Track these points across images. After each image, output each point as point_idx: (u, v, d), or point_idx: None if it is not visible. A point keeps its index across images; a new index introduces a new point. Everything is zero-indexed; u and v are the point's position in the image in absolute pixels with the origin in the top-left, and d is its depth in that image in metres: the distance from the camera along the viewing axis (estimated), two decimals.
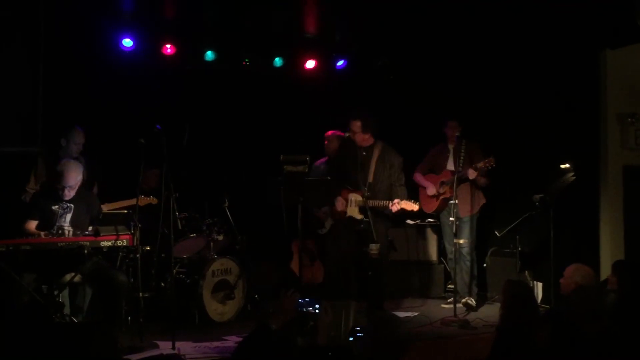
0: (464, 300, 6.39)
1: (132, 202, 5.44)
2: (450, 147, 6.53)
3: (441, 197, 6.47)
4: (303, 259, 5.91)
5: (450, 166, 6.46)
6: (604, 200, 6.43)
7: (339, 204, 5.97)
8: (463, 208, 6.40)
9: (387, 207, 5.74)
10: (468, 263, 6.49)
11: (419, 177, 6.69)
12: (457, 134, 6.45)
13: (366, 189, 5.77)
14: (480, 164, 6.16)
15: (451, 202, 6.16)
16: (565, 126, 6.42)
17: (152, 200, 5.86)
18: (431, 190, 6.52)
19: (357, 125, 5.93)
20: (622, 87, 6.45)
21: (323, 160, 6.88)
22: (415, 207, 5.74)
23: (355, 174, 5.87)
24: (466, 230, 6.47)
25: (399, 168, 5.96)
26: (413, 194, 6.72)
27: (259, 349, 3.12)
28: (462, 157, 6.40)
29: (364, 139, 5.97)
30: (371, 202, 5.71)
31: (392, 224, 6.42)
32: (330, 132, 6.82)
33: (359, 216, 5.85)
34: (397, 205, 5.71)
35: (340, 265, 6.07)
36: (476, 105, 6.98)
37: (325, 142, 6.83)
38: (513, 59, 6.80)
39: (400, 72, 7.72)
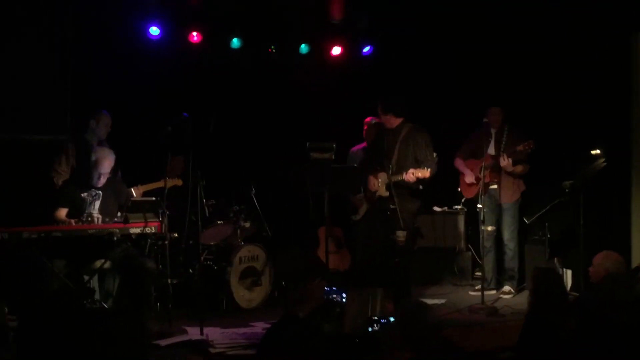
0: (501, 291, 6.41)
1: (162, 183, 5.60)
2: (493, 131, 6.47)
3: (481, 182, 6.43)
4: (329, 246, 5.92)
5: (492, 150, 6.42)
6: (636, 187, 6.31)
7: (371, 183, 5.98)
8: (505, 194, 6.37)
9: (404, 180, 5.67)
10: (509, 252, 6.45)
11: (459, 163, 6.65)
12: (499, 118, 6.41)
13: (391, 166, 5.75)
14: (520, 147, 6.11)
15: (492, 187, 6.13)
16: (596, 111, 6.31)
17: (177, 182, 5.91)
18: (469, 177, 6.49)
19: (379, 107, 5.97)
20: None
21: (360, 146, 6.84)
22: (427, 173, 5.63)
23: (383, 156, 5.87)
24: (507, 217, 6.42)
25: (424, 144, 5.85)
26: (454, 180, 6.73)
27: (286, 337, 3.14)
28: (503, 142, 6.33)
29: (387, 120, 5.97)
30: (393, 178, 5.70)
31: (420, 210, 6.41)
32: (369, 118, 6.78)
33: (385, 193, 5.83)
34: (410, 174, 5.67)
35: (370, 252, 6.07)
36: (505, 90, 6.89)
37: (365, 128, 6.78)
38: (543, 43, 6.69)
39: (429, 58, 7.65)
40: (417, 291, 6.56)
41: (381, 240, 5.91)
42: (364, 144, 6.82)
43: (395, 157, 5.85)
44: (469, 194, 6.67)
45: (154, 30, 6.85)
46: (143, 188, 5.90)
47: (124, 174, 6.02)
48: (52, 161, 5.75)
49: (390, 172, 5.67)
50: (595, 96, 6.32)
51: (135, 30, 6.82)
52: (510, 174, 6.35)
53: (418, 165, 5.70)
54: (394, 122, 5.96)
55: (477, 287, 6.35)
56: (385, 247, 5.84)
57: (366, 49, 7.70)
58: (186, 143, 5.05)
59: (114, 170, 5.61)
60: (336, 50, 7.62)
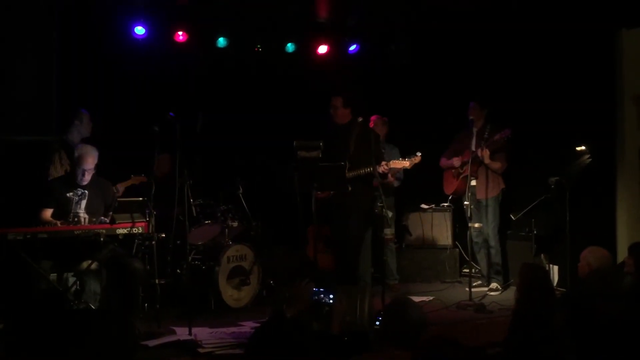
0: (488, 287, 6.45)
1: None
2: (475, 130, 6.51)
3: (461, 177, 6.48)
4: (318, 245, 5.92)
5: (473, 147, 6.45)
6: (621, 183, 6.37)
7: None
8: (482, 190, 6.40)
9: (368, 174, 5.69)
10: (491, 249, 6.49)
11: (444, 161, 6.70)
12: (481, 116, 6.46)
13: (347, 160, 5.77)
14: (497, 136, 6.15)
15: (472, 184, 6.22)
16: (581, 108, 6.35)
17: (141, 178, 5.94)
18: (457, 162, 6.54)
19: (339, 100, 5.96)
20: (638, 67, 6.35)
21: None
22: (405, 163, 5.70)
23: (337, 151, 5.86)
24: (486, 213, 6.46)
25: (378, 142, 5.92)
26: (438, 179, 6.78)
27: (273, 336, 3.14)
28: (485, 140, 6.37)
29: (344, 114, 5.96)
30: (352, 173, 5.72)
31: (407, 208, 6.47)
32: (374, 117, 6.78)
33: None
34: (384, 166, 5.72)
35: (342, 246, 6.12)
36: (491, 87, 6.93)
37: (371, 125, 6.76)
38: (528, 39, 6.72)
39: (414, 56, 7.68)
40: (405, 288, 6.60)
41: (343, 235, 5.95)
42: None
43: (352, 150, 5.86)
44: (449, 190, 6.73)
45: (140, 30, 6.80)
46: (125, 184, 5.92)
47: (110, 173, 5.99)
48: (47, 168, 5.72)
49: (347, 168, 5.72)
50: (581, 93, 6.36)
51: (121, 29, 6.78)
52: (488, 167, 6.38)
53: (374, 161, 5.67)
54: (348, 117, 5.97)
55: (475, 283, 6.37)
56: (347, 242, 5.90)
57: (352, 48, 7.70)
58: (173, 142, 5.03)
59: (98, 168, 5.59)
60: (322, 49, 7.62)
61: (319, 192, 5.99)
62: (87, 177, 5.29)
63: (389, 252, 6.66)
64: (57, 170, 5.68)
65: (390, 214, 6.60)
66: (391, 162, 5.72)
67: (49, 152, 5.82)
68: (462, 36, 7.19)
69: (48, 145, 5.94)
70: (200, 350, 4.49)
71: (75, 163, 5.28)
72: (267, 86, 7.48)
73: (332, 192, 5.91)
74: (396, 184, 6.58)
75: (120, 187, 5.88)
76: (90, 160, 5.27)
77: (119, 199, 5.63)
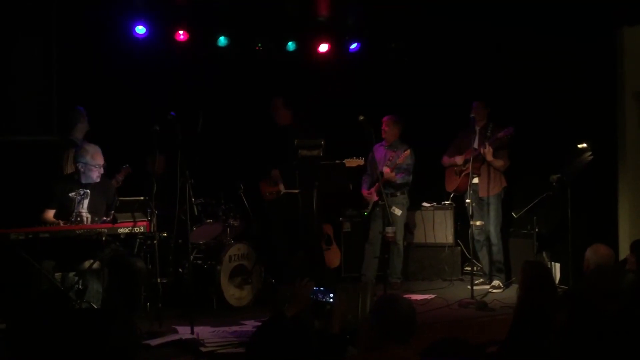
0: (490, 285, 6.45)
1: None
2: (477, 128, 6.51)
3: (463, 174, 6.48)
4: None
5: (476, 145, 6.45)
6: (622, 180, 6.36)
7: (264, 187, 6.25)
8: (484, 187, 6.41)
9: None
10: (493, 247, 6.49)
11: (446, 159, 6.70)
12: (483, 114, 6.47)
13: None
14: (501, 134, 6.15)
15: (474, 181, 6.22)
16: (582, 105, 6.35)
17: (128, 169, 6.09)
18: (459, 159, 6.55)
19: (280, 102, 6.34)
20: None
21: (378, 144, 6.76)
22: (360, 161, 5.92)
23: (278, 152, 5.93)
24: (488, 211, 6.46)
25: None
26: (440, 177, 6.79)
27: (273, 335, 3.15)
28: (487, 138, 6.37)
29: (285, 115, 6.30)
30: None
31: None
32: (386, 118, 6.77)
33: (296, 190, 5.96)
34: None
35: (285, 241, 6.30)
36: (492, 85, 6.92)
37: (385, 128, 6.72)
38: (529, 36, 6.72)
39: (415, 54, 7.67)
40: (407, 286, 6.60)
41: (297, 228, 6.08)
42: (384, 142, 6.81)
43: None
44: (450, 187, 6.75)
45: (140, 29, 6.80)
46: (121, 175, 6.03)
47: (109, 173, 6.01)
48: (60, 166, 5.72)
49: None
50: (582, 90, 6.36)
51: (121, 29, 6.77)
52: (490, 165, 6.37)
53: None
54: (290, 119, 6.30)
55: (477, 281, 6.38)
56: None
57: (353, 46, 7.69)
58: (174, 142, 5.03)
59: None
60: (323, 48, 7.61)
61: (267, 194, 6.12)
62: (100, 173, 5.27)
63: (395, 252, 6.64)
64: (71, 167, 5.68)
65: (399, 212, 6.61)
66: (345, 160, 5.83)
67: (60, 150, 5.82)
68: (462, 35, 7.19)
69: (57, 144, 5.95)
70: (202, 349, 4.49)
71: (88, 162, 5.22)
72: (267, 84, 7.46)
73: (282, 192, 6.10)
74: (399, 180, 6.55)
75: (120, 177, 5.92)
76: (99, 158, 5.27)
77: (120, 199, 5.63)
